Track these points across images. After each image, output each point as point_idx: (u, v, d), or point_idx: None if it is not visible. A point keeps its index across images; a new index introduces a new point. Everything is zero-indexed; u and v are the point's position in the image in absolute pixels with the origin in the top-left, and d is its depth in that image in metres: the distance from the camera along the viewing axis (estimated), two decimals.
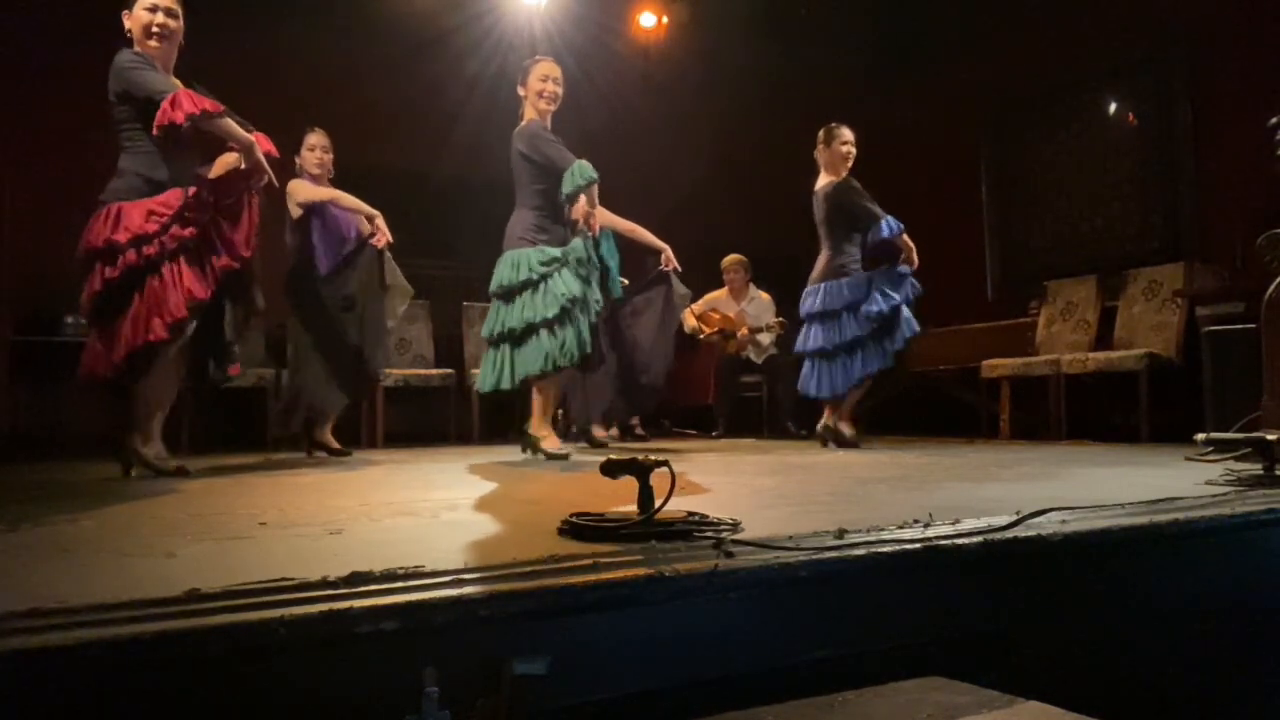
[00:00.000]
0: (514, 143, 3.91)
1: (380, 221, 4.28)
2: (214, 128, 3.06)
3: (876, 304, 4.32)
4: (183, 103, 2.94)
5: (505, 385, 3.80)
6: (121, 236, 2.93)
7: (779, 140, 6.74)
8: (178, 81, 3.07)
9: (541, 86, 3.87)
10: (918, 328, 4.40)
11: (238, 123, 3.11)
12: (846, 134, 4.55)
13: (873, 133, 4.68)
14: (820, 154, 4.60)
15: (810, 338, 4.56)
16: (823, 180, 4.59)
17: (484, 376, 3.94)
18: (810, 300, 4.57)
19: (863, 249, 4.53)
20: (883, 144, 4.65)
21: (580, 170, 3.70)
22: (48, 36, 5.28)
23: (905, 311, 4.35)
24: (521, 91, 3.93)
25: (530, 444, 3.82)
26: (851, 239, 4.51)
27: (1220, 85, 5.31)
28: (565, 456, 3.73)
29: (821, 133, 4.60)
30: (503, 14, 6.36)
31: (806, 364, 4.60)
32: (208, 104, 3.00)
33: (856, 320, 4.38)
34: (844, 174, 4.52)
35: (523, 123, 3.92)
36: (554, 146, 3.82)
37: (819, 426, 4.59)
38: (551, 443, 3.79)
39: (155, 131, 2.95)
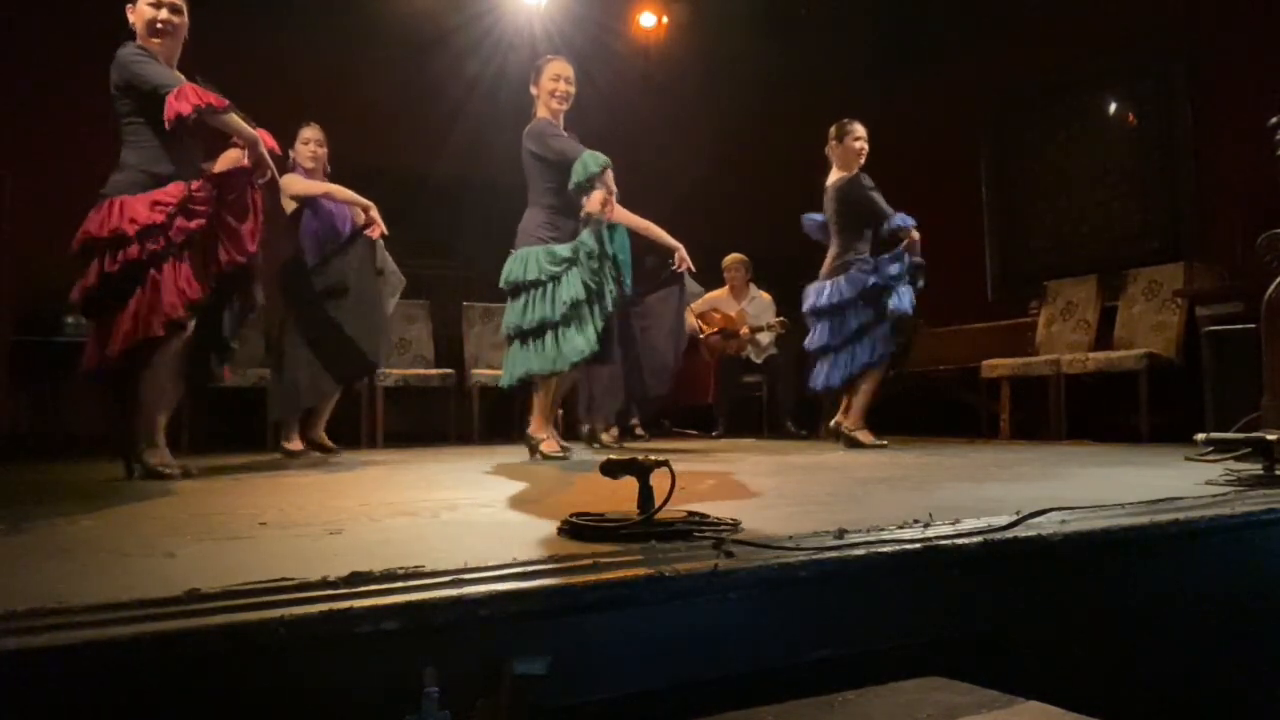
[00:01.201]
0: (524, 142, 3.90)
1: (375, 212, 4.28)
2: (219, 123, 3.06)
3: (870, 283, 4.34)
4: (189, 95, 2.93)
5: (517, 381, 3.82)
6: (129, 227, 2.90)
7: (779, 140, 6.75)
8: (181, 76, 3.07)
9: (554, 86, 3.87)
10: (908, 308, 4.36)
11: (242, 118, 3.11)
12: (859, 129, 4.52)
13: (873, 132, 4.67)
14: (832, 149, 4.58)
15: (815, 335, 4.56)
16: (834, 176, 4.58)
17: (504, 372, 3.96)
18: (814, 297, 4.56)
19: (874, 248, 4.52)
20: (883, 144, 4.63)
21: (592, 158, 3.69)
22: (49, 35, 5.29)
23: (898, 295, 4.34)
24: (534, 91, 3.93)
25: (530, 446, 3.83)
26: (862, 236, 4.50)
27: (1220, 85, 5.31)
28: (563, 457, 3.74)
29: (834, 128, 4.58)
30: (503, 14, 6.36)
31: (815, 361, 4.61)
32: (212, 98, 2.99)
33: (857, 314, 4.39)
34: (856, 170, 4.52)
35: (532, 122, 3.93)
36: (563, 140, 3.82)
37: (831, 424, 4.58)
38: (550, 445, 3.80)
39: (167, 125, 2.94)
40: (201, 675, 0.95)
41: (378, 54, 6.21)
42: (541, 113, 3.92)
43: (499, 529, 1.73)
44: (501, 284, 3.90)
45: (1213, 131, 5.36)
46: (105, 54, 3.08)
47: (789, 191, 6.37)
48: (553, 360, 3.67)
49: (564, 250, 3.78)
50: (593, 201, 3.77)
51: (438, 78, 6.17)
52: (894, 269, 4.37)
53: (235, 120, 3.07)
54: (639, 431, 5.53)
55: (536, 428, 3.83)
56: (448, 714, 1.01)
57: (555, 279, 3.73)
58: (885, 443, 4.44)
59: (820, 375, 4.57)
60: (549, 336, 3.69)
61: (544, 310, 3.71)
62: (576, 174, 3.71)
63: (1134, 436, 4.67)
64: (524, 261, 3.80)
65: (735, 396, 6.50)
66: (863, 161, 4.53)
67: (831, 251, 4.57)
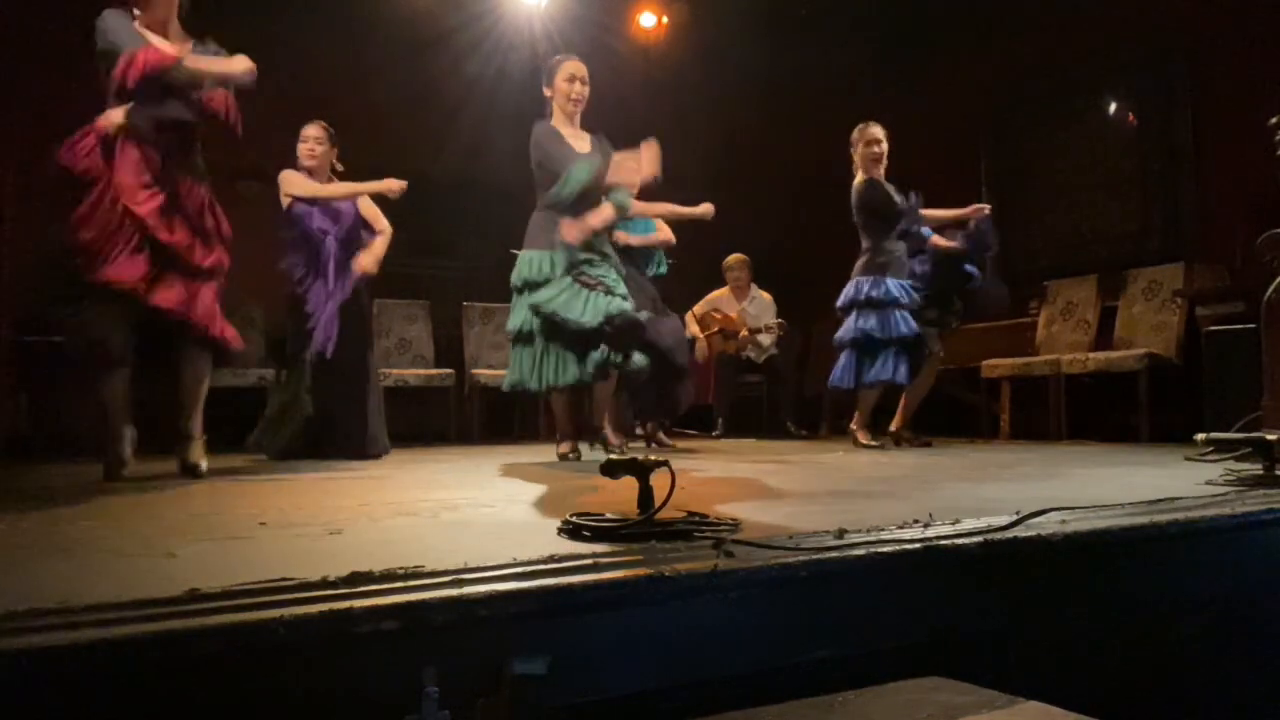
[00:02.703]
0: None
1: (393, 184, 4.12)
2: (178, 79, 2.93)
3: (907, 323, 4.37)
4: (135, 61, 2.84)
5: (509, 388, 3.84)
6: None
7: (779, 140, 6.74)
8: (159, 41, 3.03)
9: (569, 88, 3.83)
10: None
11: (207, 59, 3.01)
12: (874, 133, 4.54)
13: None
14: (855, 152, 4.61)
15: (847, 328, 4.54)
16: (856, 179, 4.60)
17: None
18: (851, 292, 4.55)
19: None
20: None
21: (575, 173, 3.60)
22: (50, 33, 5.28)
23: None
24: (548, 92, 3.88)
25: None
26: (889, 236, 4.51)
27: (1220, 85, 5.31)
28: (565, 458, 3.77)
29: (855, 132, 4.61)
30: (503, 14, 6.36)
31: (843, 355, 4.58)
32: (157, 56, 2.87)
33: (897, 320, 4.38)
34: (874, 173, 4.52)
35: (536, 124, 3.89)
36: (543, 150, 3.75)
37: (892, 434, 4.58)
38: (562, 447, 3.84)
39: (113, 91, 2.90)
40: (201, 675, 0.95)
41: (378, 54, 6.21)
42: (555, 115, 3.87)
43: (499, 529, 1.73)
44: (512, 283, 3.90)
45: (1213, 131, 5.35)
46: None
47: (789, 192, 6.37)
48: (536, 377, 3.64)
49: (550, 266, 3.70)
50: (565, 230, 3.64)
51: (438, 78, 6.17)
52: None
53: (192, 71, 2.95)
54: (638, 433, 5.52)
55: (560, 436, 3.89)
56: (448, 714, 1.01)
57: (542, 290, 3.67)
58: (879, 444, 4.44)
59: (840, 371, 4.54)
60: (530, 350, 3.67)
61: (525, 319, 3.69)
62: (563, 186, 3.63)
63: (1134, 436, 4.68)
64: (526, 264, 3.78)
65: (735, 396, 6.49)
66: (882, 165, 4.54)
67: (864, 250, 4.57)
